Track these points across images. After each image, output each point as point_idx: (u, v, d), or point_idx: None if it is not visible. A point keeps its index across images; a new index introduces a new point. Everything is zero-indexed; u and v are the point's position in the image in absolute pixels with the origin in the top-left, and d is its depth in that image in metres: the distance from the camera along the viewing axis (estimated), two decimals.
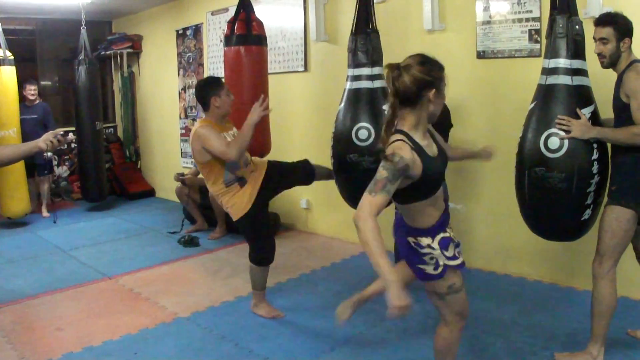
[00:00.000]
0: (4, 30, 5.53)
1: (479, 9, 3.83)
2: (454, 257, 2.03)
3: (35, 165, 5.92)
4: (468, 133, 3.86)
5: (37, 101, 6.04)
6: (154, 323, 3.28)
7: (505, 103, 3.75)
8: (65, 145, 7.15)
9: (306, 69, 5.08)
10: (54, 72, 7.89)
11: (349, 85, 3.47)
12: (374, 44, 3.52)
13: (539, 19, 3.53)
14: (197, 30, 6.30)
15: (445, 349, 2.18)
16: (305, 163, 3.53)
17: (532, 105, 2.69)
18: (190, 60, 6.47)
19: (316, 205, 5.19)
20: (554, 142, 2.50)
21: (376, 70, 3.50)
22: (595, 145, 2.51)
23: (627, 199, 2.45)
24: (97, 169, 6.34)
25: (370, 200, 1.74)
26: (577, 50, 2.60)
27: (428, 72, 1.87)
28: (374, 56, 3.48)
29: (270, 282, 3.55)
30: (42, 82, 7.49)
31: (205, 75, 6.20)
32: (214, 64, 6.08)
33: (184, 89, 6.65)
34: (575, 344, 2.77)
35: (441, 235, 2.01)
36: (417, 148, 1.88)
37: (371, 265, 1.65)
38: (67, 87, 7.63)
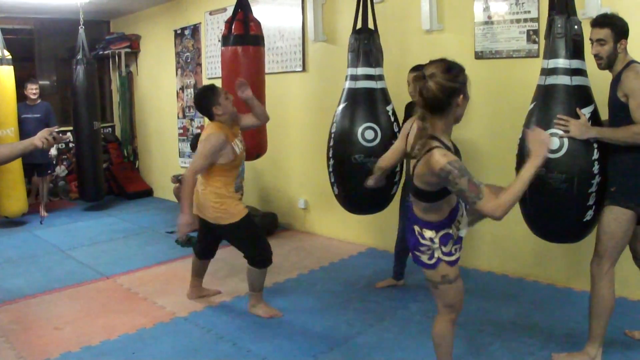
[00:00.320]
0: (2, 29, 5.54)
1: (477, 9, 3.83)
2: (449, 254, 2.11)
3: (34, 165, 5.91)
4: (466, 133, 3.86)
5: (39, 100, 6.03)
6: (152, 323, 3.28)
7: (503, 103, 3.75)
8: (63, 145, 7.14)
9: (304, 69, 5.08)
10: (52, 71, 7.88)
11: (349, 84, 3.47)
12: (376, 43, 3.52)
13: (537, 20, 3.53)
14: (195, 30, 6.29)
15: (438, 339, 2.24)
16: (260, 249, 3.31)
17: (532, 105, 2.69)
18: (188, 60, 6.46)
19: (314, 205, 5.19)
20: (554, 143, 2.49)
21: (379, 70, 3.50)
22: (595, 145, 2.50)
23: (627, 199, 2.44)
24: (95, 168, 6.34)
25: (487, 192, 1.86)
26: (576, 50, 2.61)
27: (454, 79, 1.91)
28: (377, 56, 3.47)
29: (268, 282, 3.56)
30: (40, 82, 7.44)
31: (204, 75, 6.21)
32: (212, 64, 6.07)
33: (182, 88, 6.64)
34: (573, 345, 2.77)
35: (445, 230, 2.08)
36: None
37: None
38: (65, 87, 7.63)
